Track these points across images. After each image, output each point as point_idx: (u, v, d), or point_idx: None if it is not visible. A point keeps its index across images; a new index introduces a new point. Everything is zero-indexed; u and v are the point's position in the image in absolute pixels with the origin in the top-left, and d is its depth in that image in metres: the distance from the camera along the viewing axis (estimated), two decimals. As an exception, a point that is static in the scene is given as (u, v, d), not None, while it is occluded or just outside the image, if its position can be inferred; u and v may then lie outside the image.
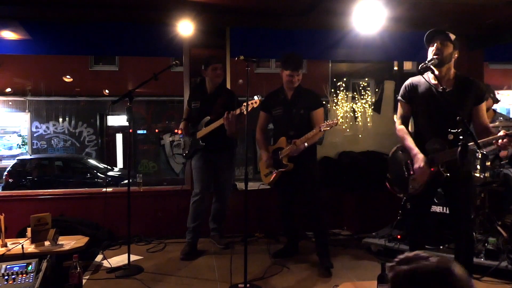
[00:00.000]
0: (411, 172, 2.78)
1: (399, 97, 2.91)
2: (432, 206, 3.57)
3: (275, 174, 3.57)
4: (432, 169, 2.66)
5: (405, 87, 2.87)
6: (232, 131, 3.72)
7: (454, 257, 2.85)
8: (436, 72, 2.65)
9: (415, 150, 2.72)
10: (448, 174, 2.63)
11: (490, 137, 2.48)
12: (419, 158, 2.68)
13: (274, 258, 3.68)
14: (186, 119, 4.13)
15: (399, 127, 2.88)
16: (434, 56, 2.64)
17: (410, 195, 2.88)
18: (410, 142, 2.78)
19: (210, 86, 3.96)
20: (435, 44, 2.66)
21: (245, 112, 3.41)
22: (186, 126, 4.09)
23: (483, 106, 2.70)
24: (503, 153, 3.66)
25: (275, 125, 3.80)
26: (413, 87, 2.82)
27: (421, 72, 2.73)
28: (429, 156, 2.68)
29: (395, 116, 3.39)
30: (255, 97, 3.39)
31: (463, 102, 2.63)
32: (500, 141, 2.40)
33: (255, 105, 3.42)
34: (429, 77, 2.74)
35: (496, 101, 4.15)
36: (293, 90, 3.62)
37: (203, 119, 3.87)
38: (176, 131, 4.12)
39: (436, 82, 2.67)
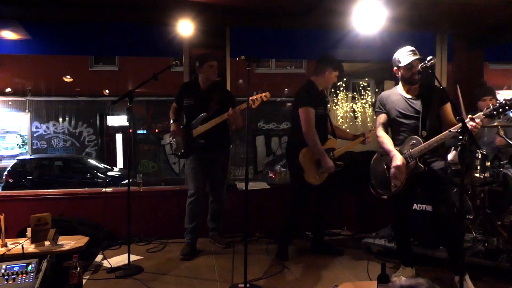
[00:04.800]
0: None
1: (375, 109, 3.25)
2: (429, 207, 3.59)
3: (327, 175, 3.66)
4: (411, 164, 2.91)
5: (379, 100, 3.21)
6: (239, 125, 3.74)
7: (448, 255, 2.99)
8: (403, 85, 3.07)
9: (393, 151, 2.99)
10: (425, 168, 2.89)
11: (456, 126, 2.65)
12: (397, 158, 2.94)
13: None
14: (175, 120, 4.01)
15: (379, 133, 3.15)
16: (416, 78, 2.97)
17: (393, 194, 3.05)
18: (388, 145, 3.06)
19: (204, 83, 3.90)
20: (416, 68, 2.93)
21: (253, 106, 3.47)
22: (178, 127, 3.95)
23: (448, 106, 2.97)
24: (499, 141, 3.69)
25: (316, 124, 3.63)
26: (385, 99, 3.15)
27: (421, 72, 2.87)
28: (406, 153, 2.93)
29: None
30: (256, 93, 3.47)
31: (429, 105, 2.95)
32: (469, 126, 2.56)
33: (265, 99, 3.48)
34: (397, 89, 3.12)
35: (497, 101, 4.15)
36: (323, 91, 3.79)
37: (199, 116, 3.80)
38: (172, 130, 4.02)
39: (404, 92, 3.06)
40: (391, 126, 3.18)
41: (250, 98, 3.46)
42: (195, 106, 3.87)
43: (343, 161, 3.80)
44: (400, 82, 3.11)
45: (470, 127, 2.53)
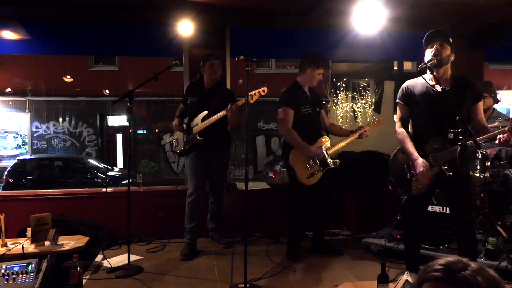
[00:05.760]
0: (414, 174, 2.80)
1: (397, 100, 2.93)
2: (432, 206, 3.58)
3: (322, 173, 3.61)
4: (434, 169, 2.67)
5: (403, 90, 2.89)
6: (236, 122, 3.73)
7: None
8: (434, 73, 2.66)
9: (415, 154, 2.75)
10: (451, 173, 2.64)
11: (490, 134, 2.50)
12: (419, 163, 2.71)
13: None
14: (179, 116, 4.07)
15: (399, 130, 2.90)
16: (433, 57, 2.65)
17: (413, 196, 2.88)
18: (410, 146, 2.80)
19: (208, 82, 3.94)
20: (434, 46, 2.67)
21: (251, 101, 3.42)
22: (180, 123, 4.02)
23: (481, 104, 2.74)
24: (491, 151, 3.67)
25: (303, 124, 3.63)
26: (410, 89, 2.84)
27: (420, 73, 2.76)
28: (430, 157, 2.70)
29: (395, 116, 3.43)
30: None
31: (461, 101, 2.65)
32: (500, 136, 2.42)
33: (262, 94, 3.46)
34: (425, 78, 2.76)
35: (497, 101, 4.15)
36: (308, 90, 3.74)
37: (200, 114, 3.83)
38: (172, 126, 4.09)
39: (433, 83, 2.70)
40: (413, 122, 2.90)
41: (249, 93, 3.45)
42: (197, 104, 3.90)
43: (343, 161, 3.80)
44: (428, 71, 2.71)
45: (498, 140, 2.40)
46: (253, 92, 3.50)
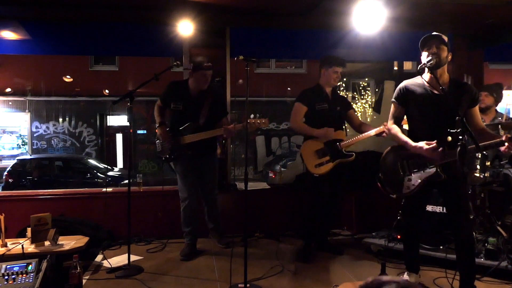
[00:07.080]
0: (408, 174, 2.79)
1: (393, 99, 2.92)
2: (432, 206, 3.59)
3: (332, 164, 3.65)
4: (431, 170, 2.67)
5: (400, 90, 2.87)
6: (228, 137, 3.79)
7: (456, 258, 2.84)
8: (434, 74, 2.67)
9: (410, 142, 2.72)
10: (444, 176, 2.65)
11: (492, 141, 2.50)
12: (420, 144, 2.64)
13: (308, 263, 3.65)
14: (162, 123, 3.80)
15: (392, 126, 2.89)
16: (433, 56, 2.65)
17: (404, 196, 2.88)
18: (404, 136, 2.79)
19: (195, 88, 3.78)
20: (431, 49, 2.67)
21: (250, 129, 3.24)
22: (165, 132, 3.78)
23: (477, 108, 2.76)
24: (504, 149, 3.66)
25: (316, 119, 3.75)
26: (408, 89, 2.82)
27: (420, 73, 2.77)
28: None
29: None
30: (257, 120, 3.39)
31: (458, 104, 2.65)
32: (503, 147, 2.43)
33: (263, 126, 3.41)
34: (423, 80, 2.76)
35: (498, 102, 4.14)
36: (331, 89, 3.84)
37: (189, 124, 3.70)
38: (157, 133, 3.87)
39: (431, 84, 2.71)
40: (410, 123, 2.88)
41: (248, 120, 3.28)
42: (184, 112, 3.75)
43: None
44: (426, 72, 2.75)
45: (505, 148, 2.40)
46: (253, 120, 3.38)
